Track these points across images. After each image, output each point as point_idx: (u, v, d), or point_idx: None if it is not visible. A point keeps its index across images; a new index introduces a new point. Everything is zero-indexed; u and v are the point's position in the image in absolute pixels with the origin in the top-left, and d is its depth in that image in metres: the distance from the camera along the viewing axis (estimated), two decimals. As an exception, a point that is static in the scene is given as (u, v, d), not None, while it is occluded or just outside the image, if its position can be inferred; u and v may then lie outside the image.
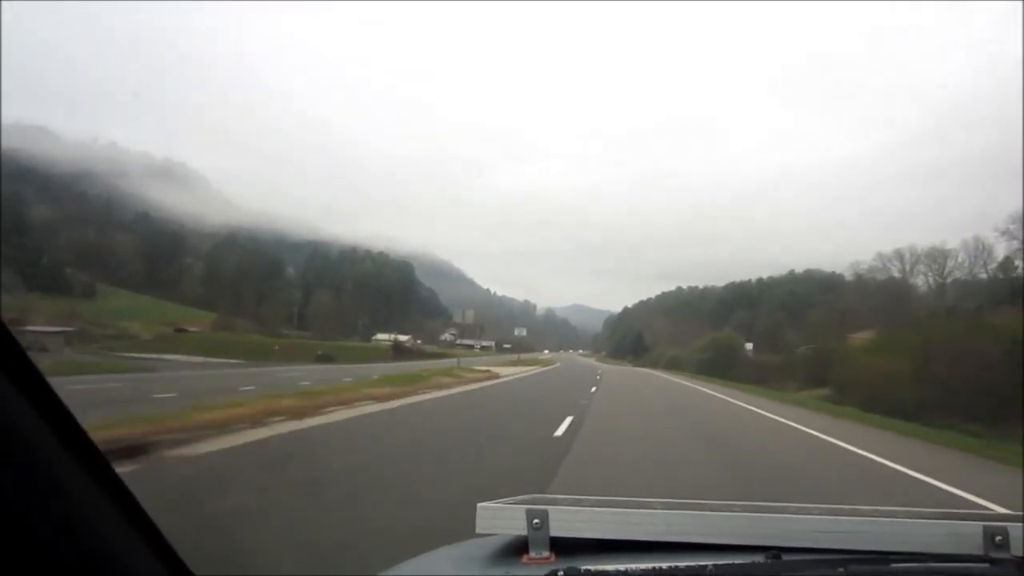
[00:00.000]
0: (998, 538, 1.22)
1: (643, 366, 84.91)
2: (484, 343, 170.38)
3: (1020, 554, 1.22)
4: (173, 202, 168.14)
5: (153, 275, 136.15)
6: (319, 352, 57.57)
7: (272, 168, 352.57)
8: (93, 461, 0.90)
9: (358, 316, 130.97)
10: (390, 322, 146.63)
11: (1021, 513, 1.35)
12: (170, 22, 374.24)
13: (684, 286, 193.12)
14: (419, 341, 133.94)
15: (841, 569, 1.11)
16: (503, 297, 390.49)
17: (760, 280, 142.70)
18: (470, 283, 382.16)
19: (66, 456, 0.85)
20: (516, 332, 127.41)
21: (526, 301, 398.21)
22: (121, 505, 0.94)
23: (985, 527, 1.24)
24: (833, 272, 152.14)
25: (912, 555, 1.20)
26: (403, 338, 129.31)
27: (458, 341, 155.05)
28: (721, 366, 57.29)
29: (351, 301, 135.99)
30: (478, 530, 1.30)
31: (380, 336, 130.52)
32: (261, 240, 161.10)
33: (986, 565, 1.18)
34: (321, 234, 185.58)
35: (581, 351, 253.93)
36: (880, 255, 74.62)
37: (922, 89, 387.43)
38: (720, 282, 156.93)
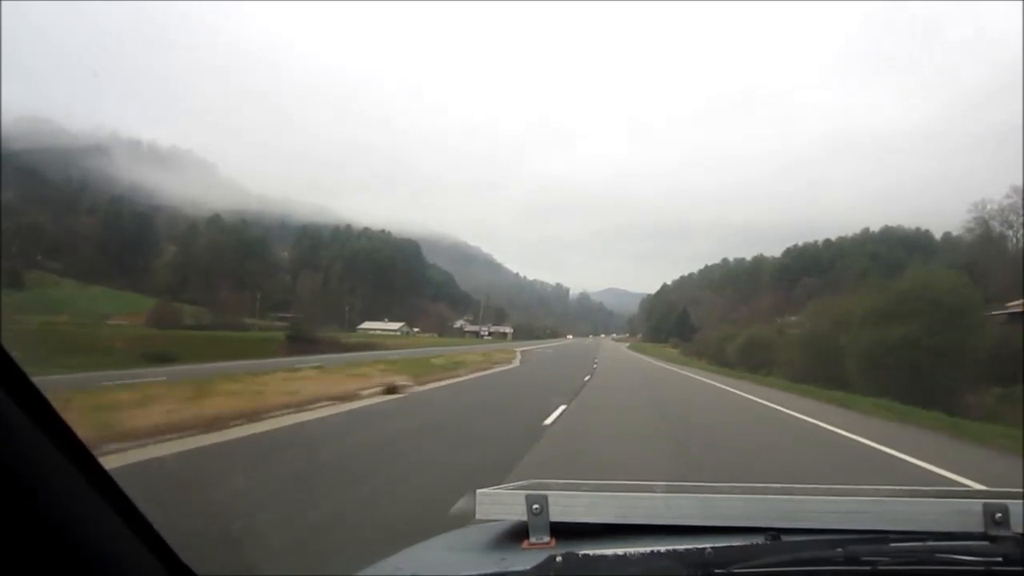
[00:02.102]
0: (998, 515, 1.21)
1: (691, 356, 61.54)
2: (496, 329, 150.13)
3: (1020, 531, 1.20)
4: (156, 184, 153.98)
5: (119, 262, 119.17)
6: (152, 351, 37.70)
7: (286, 152, 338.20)
8: (84, 462, 0.88)
9: (346, 301, 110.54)
10: (391, 308, 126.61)
11: (1021, 490, 1.32)
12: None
13: (730, 258, 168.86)
14: (416, 329, 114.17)
15: (840, 549, 1.11)
16: (534, 281, 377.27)
17: (828, 242, 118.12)
18: (498, 267, 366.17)
19: (57, 457, 0.83)
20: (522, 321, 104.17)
21: (558, 285, 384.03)
22: (116, 506, 0.92)
23: (985, 504, 1.23)
24: (918, 229, 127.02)
25: (912, 534, 1.19)
26: (393, 327, 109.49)
27: (466, 329, 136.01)
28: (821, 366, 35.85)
29: (340, 284, 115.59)
30: (478, 516, 1.30)
31: (369, 324, 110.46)
32: (250, 223, 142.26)
33: (986, 543, 1.16)
34: (336, 218, 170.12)
35: (615, 335, 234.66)
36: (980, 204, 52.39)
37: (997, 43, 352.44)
38: (774, 250, 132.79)
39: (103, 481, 0.91)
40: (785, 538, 1.19)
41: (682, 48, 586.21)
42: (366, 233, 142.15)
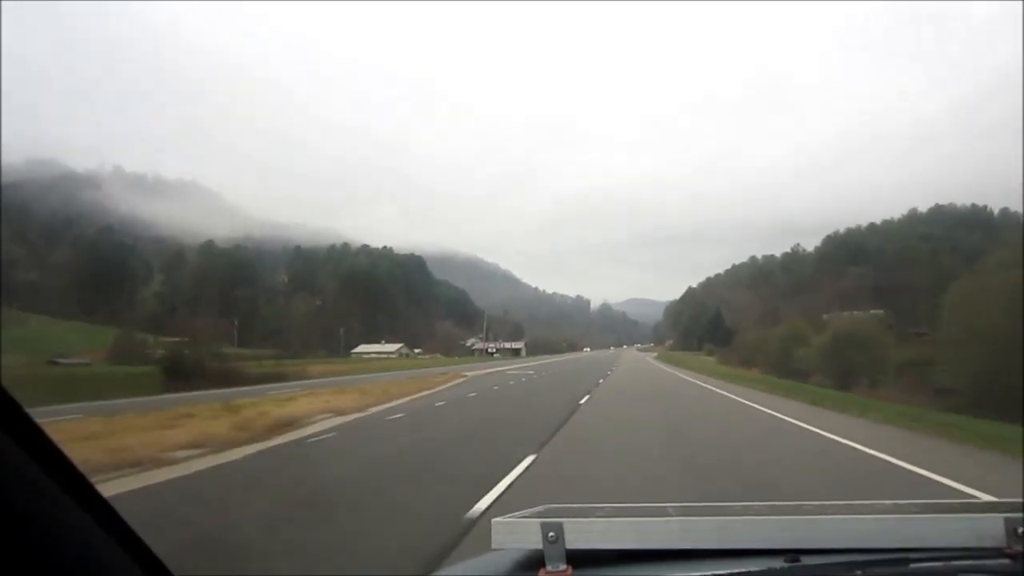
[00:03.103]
0: (1020, 530, 1.17)
1: (736, 365, 49.23)
2: (507, 345, 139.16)
3: None
4: (155, 215, 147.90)
5: (102, 296, 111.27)
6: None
7: (293, 176, 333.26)
8: (73, 481, 0.88)
9: (343, 323, 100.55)
10: (395, 329, 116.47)
11: None
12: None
13: (759, 255, 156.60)
14: (418, 351, 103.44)
15: (859, 572, 1.09)
16: (553, 294, 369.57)
17: (873, 226, 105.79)
18: (516, 282, 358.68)
19: (44, 477, 0.83)
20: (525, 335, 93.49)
21: (578, 297, 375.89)
22: (107, 524, 0.92)
23: (1006, 519, 1.19)
24: (974, 205, 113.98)
25: (932, 551, 1.16)
26: (390, 348, 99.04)
27: (475, 347, 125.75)
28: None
29: (336, 306, 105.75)
30: (494, 545, 1.27)
31: (364, 348, 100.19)
32: (245, 248, 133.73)
33: (1007, 561, 1.13)
34: (342, 239, 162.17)
35: (638, 345, 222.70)
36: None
37: None
38: (809, 242, 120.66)
39: (90, 497, 0.91)
40: (804, 559, 1.16)
41: (699, 47, 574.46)
42: (364, 250, 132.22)
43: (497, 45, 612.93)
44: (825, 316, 56.14)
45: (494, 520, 1.29)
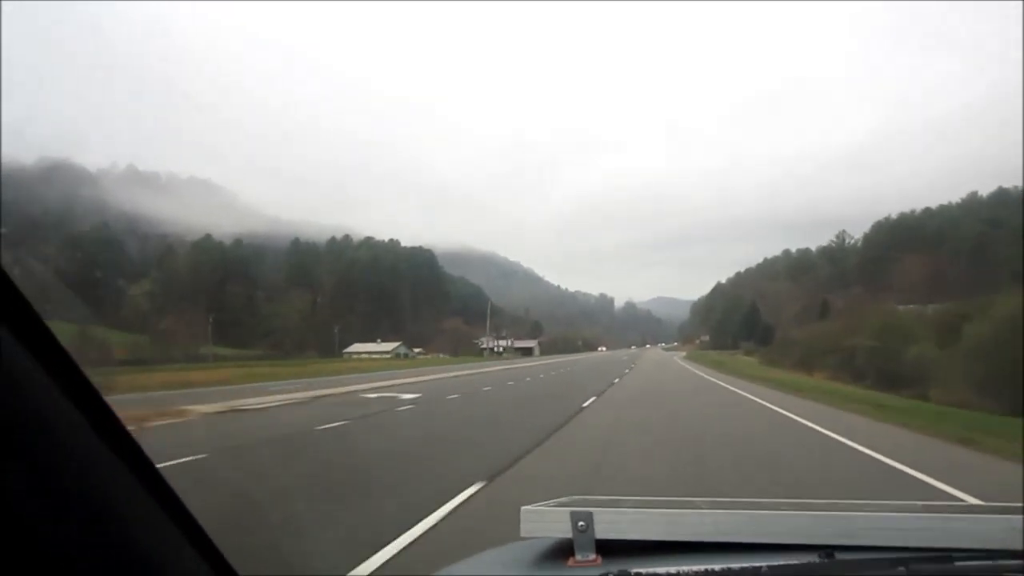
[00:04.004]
0: None
1: (786, 368, 38.75)
2: (520, 344, 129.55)
3: None
4: (161, 214, 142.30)
5: (85, 295, 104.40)
6: None
7: (302, 168, 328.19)
8: (133, 456, 0.87)
9: (340, 321, 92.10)
10: (399, 327, 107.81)
11: None
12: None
13: (793, 248, 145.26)
14: (418, 350, 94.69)
15: (902, 568, 1.06)
16: (576, 293, 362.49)
17: (928, 211, 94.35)
18: (538, 280, 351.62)
19: (106, 451, 0.82)
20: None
21: (602, 295, 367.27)
22: (165, 505, 0.91)
23: None
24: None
25: (974, 551, 1.12)
26: (385, 348, 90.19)
27: (484, 346, 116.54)
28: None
29: (334, 302, 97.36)
30: (523, 533, 1.27)
31: (358, 347, 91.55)
32: (246, 244, 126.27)
33: None
34: (356, 235, 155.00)
35: (663, 345, 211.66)
36: None
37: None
38: (856, 229, 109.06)
39: (148, 474, 0.89)
40: (839, 555, 1.13)
41: (727, 42, 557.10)
42: (367, 244, 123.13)
43: (522, 42, 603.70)
44: (901, 307, 45.75)
45: (523, 508, 1.27)
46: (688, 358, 72.37)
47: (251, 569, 1.29)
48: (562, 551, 1.24)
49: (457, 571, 1.33)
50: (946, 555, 1.10)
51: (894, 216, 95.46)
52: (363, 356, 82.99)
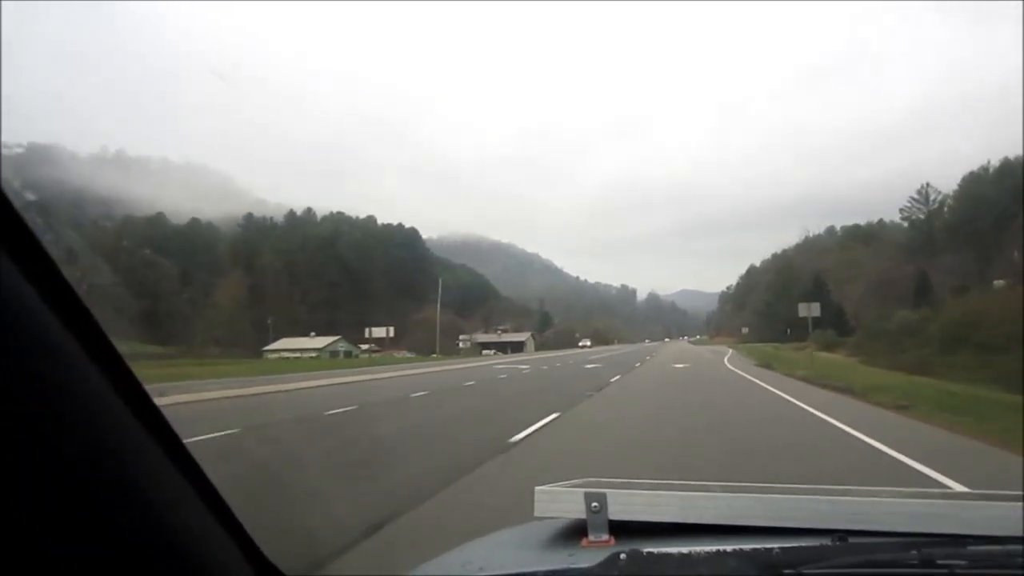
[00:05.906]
0: None
1: (936, 377, 18.92)
2: (512, 338, 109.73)
3: None
4: (146, 198, 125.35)
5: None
6: None
7: (322, 159, 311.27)
8: (176, 450, 0.86)
9: (276, 311, 72.90)
10: (373, 317, 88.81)
11: None
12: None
13: (837, 226, 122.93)
14: (364, 347, 75.46)
15: (915, 552, 1.05)
16: (596, 284, 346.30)
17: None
18: (556, 271, 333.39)
19: (150, 443, 0.81)
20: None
21: (623, 286, 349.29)
22: (206, 498, 0.90)
23: None
24: None
25: (988, 538, 1.12)
26: (316, 344, 70.96)
27: (477, 341, 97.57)
28: None
29: (276, 288, 78.10)
30: (536, 514, 1.28)
31: (286, 343, 72.73)
32: (205, 225, 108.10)
33: None
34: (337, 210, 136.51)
35: (687, 337, 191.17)
36: None
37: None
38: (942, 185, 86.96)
39: (190, 468, 0.88)
40: (852, 540, 1.12)
41: (765, 17, 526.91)
42: (333, 218, 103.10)
43: (544, 23, 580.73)
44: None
45: (537, 489, 1.27)
46: (739, 360, 37.59)
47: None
48: (575, 531, 1.23)
49: (472, 549, 1.32)
50: (958, 540, 1.09)
51: (995, 163, 72.84)
52: (289, 354, 64.24)
